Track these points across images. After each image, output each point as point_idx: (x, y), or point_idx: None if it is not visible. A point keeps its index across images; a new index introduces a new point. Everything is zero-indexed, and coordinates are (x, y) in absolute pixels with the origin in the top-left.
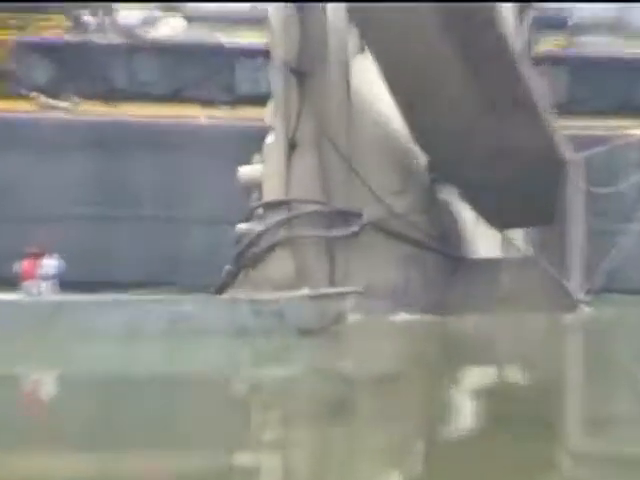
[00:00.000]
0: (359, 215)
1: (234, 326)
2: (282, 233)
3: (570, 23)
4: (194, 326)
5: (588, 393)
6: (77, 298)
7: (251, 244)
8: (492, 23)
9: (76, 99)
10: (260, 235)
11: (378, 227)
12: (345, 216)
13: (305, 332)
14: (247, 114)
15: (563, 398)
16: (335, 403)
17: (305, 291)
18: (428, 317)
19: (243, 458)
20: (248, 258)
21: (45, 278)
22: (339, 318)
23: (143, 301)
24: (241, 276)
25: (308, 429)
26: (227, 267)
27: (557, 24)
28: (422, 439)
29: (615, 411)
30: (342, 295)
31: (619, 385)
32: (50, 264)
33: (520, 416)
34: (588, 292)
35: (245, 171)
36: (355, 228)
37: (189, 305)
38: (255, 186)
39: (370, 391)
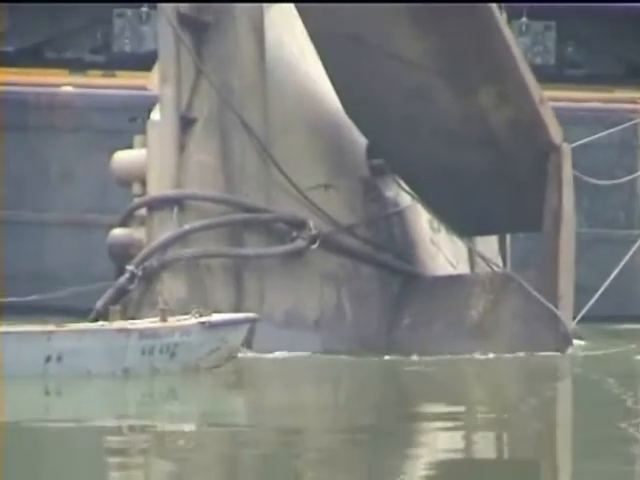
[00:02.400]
0: (299, 223)
1: (118, 366)
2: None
3: None
4: (73, 365)
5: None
6: None
7: (146, 257)
8: None
9: None
10: (158, 249)
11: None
12: (267, 222)
13: (194, 370)
14: (128, 80)
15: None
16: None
17: (194, 319)
18: (365, 353)
19: None
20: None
21: None
22: (232, 353)
23: (10, 334)
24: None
25: None
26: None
27: None
28: None
29: None
30: (236, 324)
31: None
32: None
33: None
34: (580, 321)
35: (122, 158)
36: (301, 243)
37: (69, 339)
38: (136, 177)
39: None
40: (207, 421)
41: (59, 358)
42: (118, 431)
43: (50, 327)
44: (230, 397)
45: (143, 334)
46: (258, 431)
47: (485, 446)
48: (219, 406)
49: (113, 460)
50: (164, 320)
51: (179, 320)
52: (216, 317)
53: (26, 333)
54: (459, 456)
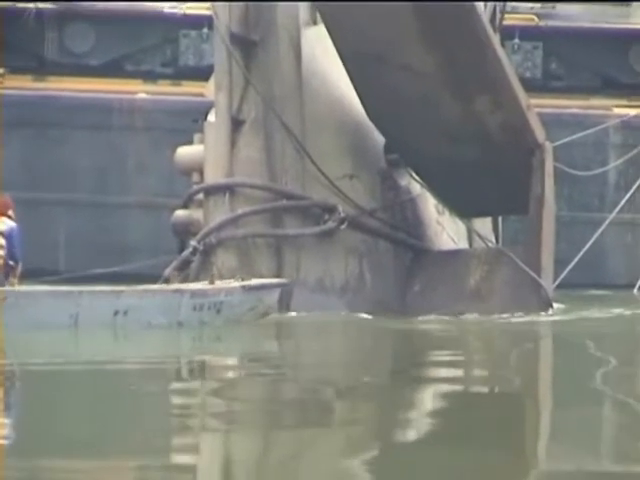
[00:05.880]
0: (331, 208)
1: (174, 319)
2: (253, 226)
3: None
4: (136, 318)
5: (550, 404)
6: (20, 289)
7: (206, 235)
8: None
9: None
10: (216, 228)
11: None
12: (304, 207)
13: (236, 324)
14: (191, 89)
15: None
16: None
17: (236, 283)
18: (383, 314)
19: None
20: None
21: None
22: (268, 311)
23: (87, 292)
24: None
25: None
26: (169, 269)
27: None
28: None
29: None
30: (270, 287)
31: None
32: None
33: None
34: (557, 287)
35: (184, 152)
36: (332, 224)
37: (133, 297)
38: (195, 168)
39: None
40: (247, 359)
41: (125, 312)
42: (173, 366)
43: (118, 287)
44: (268, 344)
45: (194, 294)
46: (287, 367)
47: (481, 384)
48: (258, 349)
49: (168, 387)
50: (212, 283)
51: (225, 283)
52: (254, 281)
53: (99, 292)
54: (458, 388)
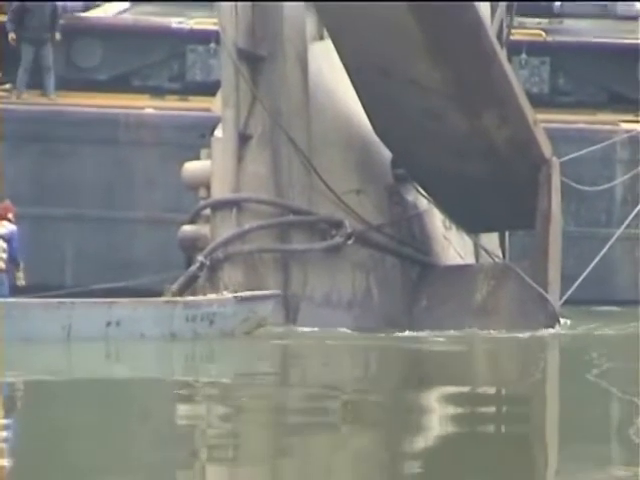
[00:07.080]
0: (338, 223)
1: (167, 330)
2: (262, 241)
3: (556, 7)
4: (129, 329)
5: (561, 417)
6: (13, 300)
7: (213, 250)
8: (465, 4)
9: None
10: (223, 243)
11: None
12: (311, 223)
13: (229, 336)
14: (198, 104)
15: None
16: None
17: (229, 295)
18: (387, 330)
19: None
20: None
21: None
22: (261, 322)
23: (79, 304)
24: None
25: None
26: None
27: (540, 8)
28: None
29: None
30: (264, 299)
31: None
32: None
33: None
34: (564, 303)
35: (191, 167)
36: (339, 239)
37: (126, 308)
38: (202, 183)
39: None
40: (246, 376)
41: (118, 323)
42: (172, 384)
43: (110, 299)
44: (267, 361)
45: (187, 305)
46: (282, 384)
47: (488, 404)
48: (255, 366)
49: (170, 406)
50: (204, 295)
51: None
52: (246, 293)
53: (91, 303)
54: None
